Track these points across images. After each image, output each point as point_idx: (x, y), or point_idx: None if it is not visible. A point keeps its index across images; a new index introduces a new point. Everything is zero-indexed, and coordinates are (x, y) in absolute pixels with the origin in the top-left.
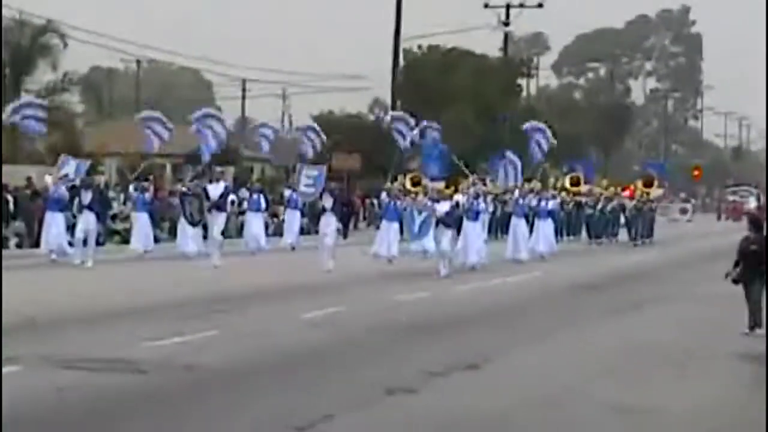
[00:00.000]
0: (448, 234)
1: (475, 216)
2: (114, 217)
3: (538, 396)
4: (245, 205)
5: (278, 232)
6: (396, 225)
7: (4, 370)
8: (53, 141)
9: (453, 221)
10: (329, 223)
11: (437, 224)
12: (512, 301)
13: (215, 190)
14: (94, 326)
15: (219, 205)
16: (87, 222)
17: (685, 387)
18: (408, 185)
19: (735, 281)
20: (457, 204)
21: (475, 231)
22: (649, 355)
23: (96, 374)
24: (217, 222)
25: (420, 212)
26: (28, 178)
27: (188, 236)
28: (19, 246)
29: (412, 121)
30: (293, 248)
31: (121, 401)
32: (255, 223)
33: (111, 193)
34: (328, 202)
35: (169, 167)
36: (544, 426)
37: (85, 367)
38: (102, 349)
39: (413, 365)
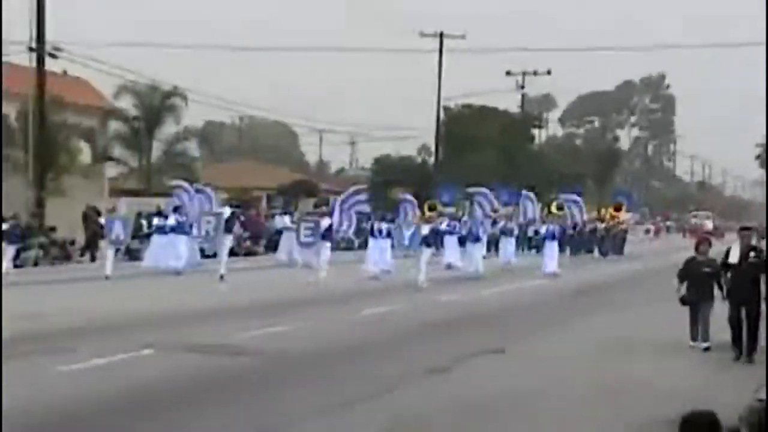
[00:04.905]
0: (427, 252)
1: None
2: None
3: (551, 377)
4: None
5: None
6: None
7: (140, 353)
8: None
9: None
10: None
11: (421, 243)
12: (530, 300)
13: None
14: (205, 321)
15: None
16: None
17: (662, 368)
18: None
19: (684, 302)
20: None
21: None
22: (636, 344)
23: (211, 357)
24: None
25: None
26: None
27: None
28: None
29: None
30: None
31: (231, 378)
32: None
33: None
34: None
35: (264, 197)
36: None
37: (202, 351)
38: (212, 337)
39: (451, 350)
